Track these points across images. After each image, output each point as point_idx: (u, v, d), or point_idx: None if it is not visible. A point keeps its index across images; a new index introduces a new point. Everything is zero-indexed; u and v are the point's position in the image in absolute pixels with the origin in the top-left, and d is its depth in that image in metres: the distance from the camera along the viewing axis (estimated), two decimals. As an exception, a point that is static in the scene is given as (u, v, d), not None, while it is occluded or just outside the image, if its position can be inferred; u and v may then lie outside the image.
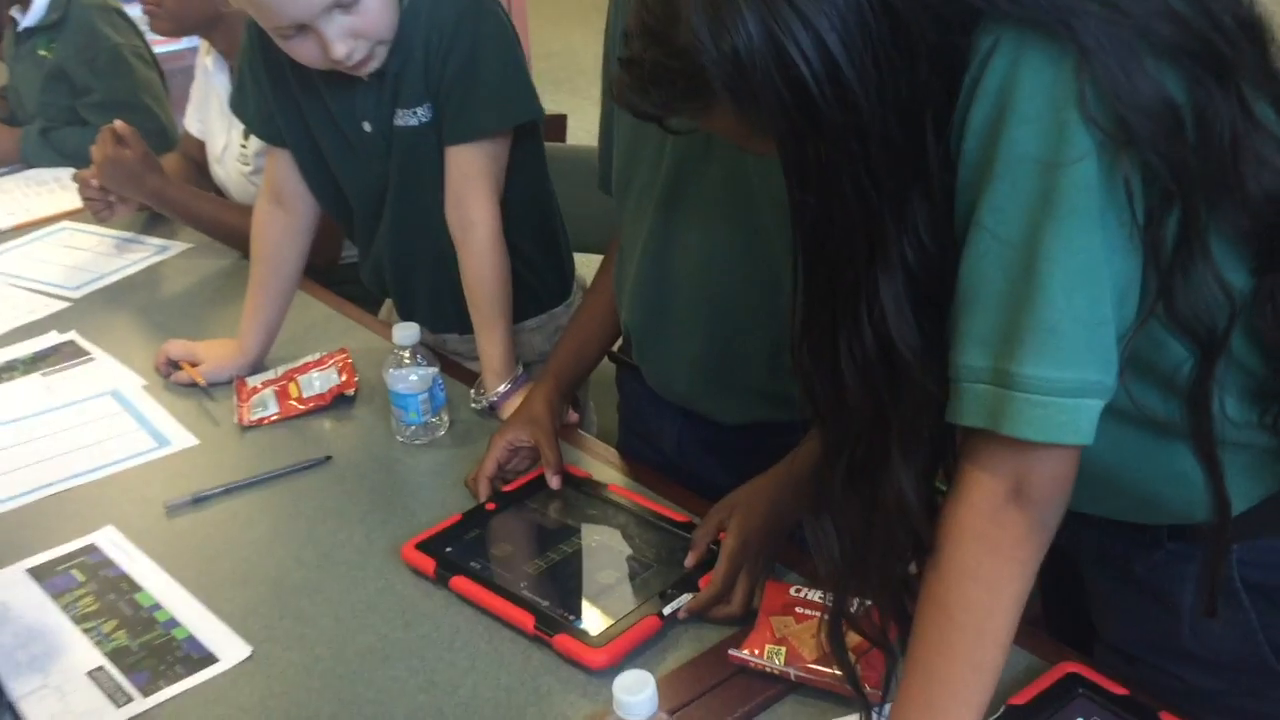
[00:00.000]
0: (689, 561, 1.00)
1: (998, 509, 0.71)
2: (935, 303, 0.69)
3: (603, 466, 1.22)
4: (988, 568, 0.71)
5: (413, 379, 1.25)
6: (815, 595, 0.97)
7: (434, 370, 1.26)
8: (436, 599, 1.03)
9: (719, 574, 0.98)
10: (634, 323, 1.14)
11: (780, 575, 1.03)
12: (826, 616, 0.82)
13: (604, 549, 1.06)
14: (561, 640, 0.94)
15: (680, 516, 1.10)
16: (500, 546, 1.07)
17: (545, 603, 0.99)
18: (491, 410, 1.32)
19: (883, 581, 0.77)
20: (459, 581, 1.02)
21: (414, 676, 0.95)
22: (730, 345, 1.08)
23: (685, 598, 0.98)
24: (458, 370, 1.41)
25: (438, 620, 1.00)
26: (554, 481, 1.14)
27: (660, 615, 0.96)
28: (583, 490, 1.14)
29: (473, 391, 1.34)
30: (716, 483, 1.08)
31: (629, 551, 1.05)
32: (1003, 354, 0.66)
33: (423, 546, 1.07)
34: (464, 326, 1.39)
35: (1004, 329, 0.66)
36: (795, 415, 1.01)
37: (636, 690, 0.75)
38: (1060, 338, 0.64)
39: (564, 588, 1.01)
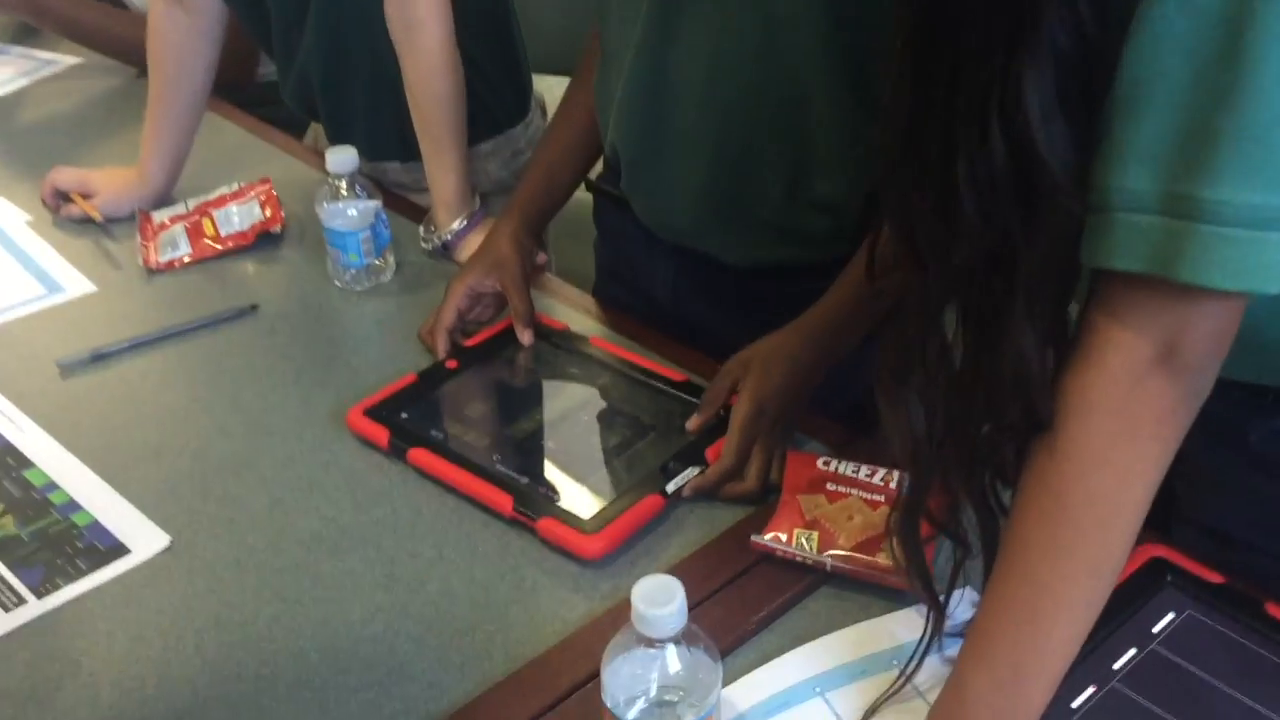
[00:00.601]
0: (692, 425, 0.93)
1: (1141, 377, 0.60)
2: (1089, 107, 0.57)
3: (580, 316, 1.13)
4: (1121, 451, 0.61)
5: (351, 214, 1.16)
6: (848, 469, 0.89)
7: (376, 204, 1.17)
8: (392, 475, 0.94)
9: (731, 445, 0.90)
10: (623, 143, 1.05)
11: (799, 445, 0.95)
12: (895, 508, 0.72)
13: (589, 415, 0.99)
14: (547, 525, 0.86)
15: (678, 375, 1.01)
16: (465, 412, 0.98)
17: (524, 479, 0.90)
18: (445, 251, 1.23)
19: (975, 466, 0.67)
20: (419, 454, 0.93)
21: (370, 570, 0.86)
22: (741, 168, 0.99)
23: (691, 472, 0.90)
24: (401, 205, 1.32)
25: (394, 501, 0.92)
26: (525, 336, 1.05)
27: (663, 493, 0.88)
28: (560, 345, 1.06)
29: (421, 229, 1.25)
30: (720, 337, 1.00)
31: (619, 418, 0.97)
32: (1181, 173, 0.55)
33: (372, 413, 0.97)
34: (407, 152, 1.30)
35: (1185, 139, 0.54)
36: (819, 255, 1.00)
37: (662, 600, 0.65)
38: (1270, 150, 0.52)
39: (545, 461, 0.93)
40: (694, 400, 0.96)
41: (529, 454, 0.94)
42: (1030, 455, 0.64)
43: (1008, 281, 0.60)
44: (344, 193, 1.16)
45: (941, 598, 0.72)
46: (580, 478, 0.91)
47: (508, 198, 1.14)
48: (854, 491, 0.87)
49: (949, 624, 0.72)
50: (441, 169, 1.21)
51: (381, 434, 0.95)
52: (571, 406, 1.00)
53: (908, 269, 0.65)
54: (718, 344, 0.99)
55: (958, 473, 0.68)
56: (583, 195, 1.18)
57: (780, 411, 0.91)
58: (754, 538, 0.84)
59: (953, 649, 0.73)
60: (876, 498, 0.86)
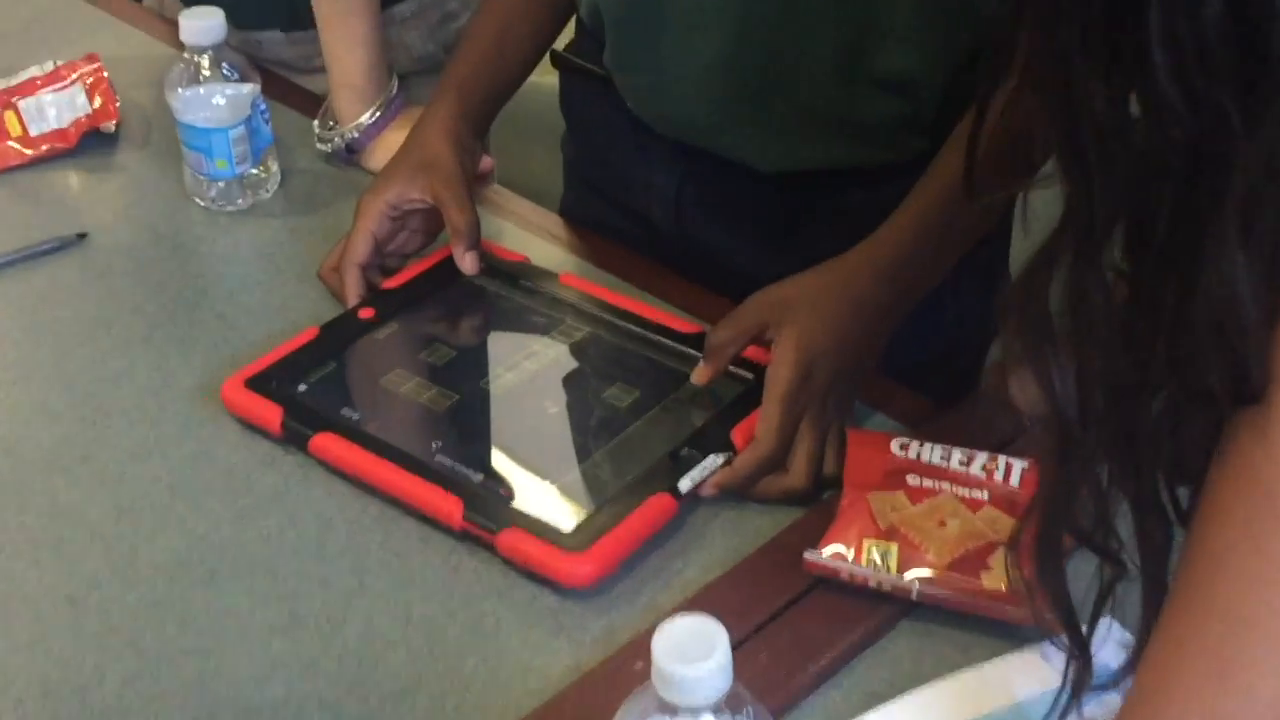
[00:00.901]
0: (698, 376, 0.93)
1: None
2: None
3: (543, 244, 1.13)
4: None
5: (218, 103, 1.14)
6: (934, 454, 0.87)
7: (252, 89, 1.15)
8: (288, 472, 0.93)
9: (768, 422, 0.88)
10: (612, 4, 1.04)
11: (861, 420, 0.94)
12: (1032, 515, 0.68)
13: (564, 383, 0.98)
14: (513, 540, 0.84)
15: (687, 325, 1.00)
16: (389, 381, 0.97)
17: (477, 476, 0.89)
18: (350, 155, 1.22)
19: (1144, 453, 0.63)
20: (326, 442, 0.91)
21: (261, 608, 0.84)
22: (776, 34, 0.98)
23: (712, 462, 0.88)
24: (287, 91, 1.32)
25: (293, 509, 0.90)
26: (468, 261, 1.04)
27: (674, 492, 0.87)
28: (518, 284, 1.06)
29: (316, 125, 1.24)
30: (743, 272, 0.99)
31: (608, 387, 0.96)
32: None
33: (257, 384, 0.96)
34: (294, 18, 1.30)
35: None
36: (882, 155, 1.00)
37: (698, 653, 0.60)
38: None
39: (506, 450, 0.92)
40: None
41: (482, 440, 0.93)
42: (1228, 438, 0.60)
43: (1215, 192, 0.56)
44: (206, 74, 1.14)
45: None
46: (557, 473, 0.90)
47: (436, 79, 1.12)
48: (945, 486, 0.84)
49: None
50: (344, 40, 1.20)
51: (272, 414, 0.94)
52: (539, 371, 0.99)
53: (1065, 175, 0.61)
54: (740, 281, 0.97)
55: (1119, 462, 0.64)
56: (545, 76, 1.17)
57: (836, 374, 0.89)
58: (808, 555, 0.82)
59: (1096, 709, 0.69)
60: (977, 494, 0.83)
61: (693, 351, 0.96)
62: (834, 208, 1.01)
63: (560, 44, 1.16)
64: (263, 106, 1.15)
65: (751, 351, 0.93)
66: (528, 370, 0.98)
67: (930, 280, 0.92)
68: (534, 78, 1.14)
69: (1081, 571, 0.68)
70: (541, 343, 1.00)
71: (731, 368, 0.93)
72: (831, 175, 1.02)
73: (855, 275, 0.91)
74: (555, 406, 0.96)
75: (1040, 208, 0.69)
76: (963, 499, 0.83)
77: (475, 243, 1.04)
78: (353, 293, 1.03)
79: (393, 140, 1.16)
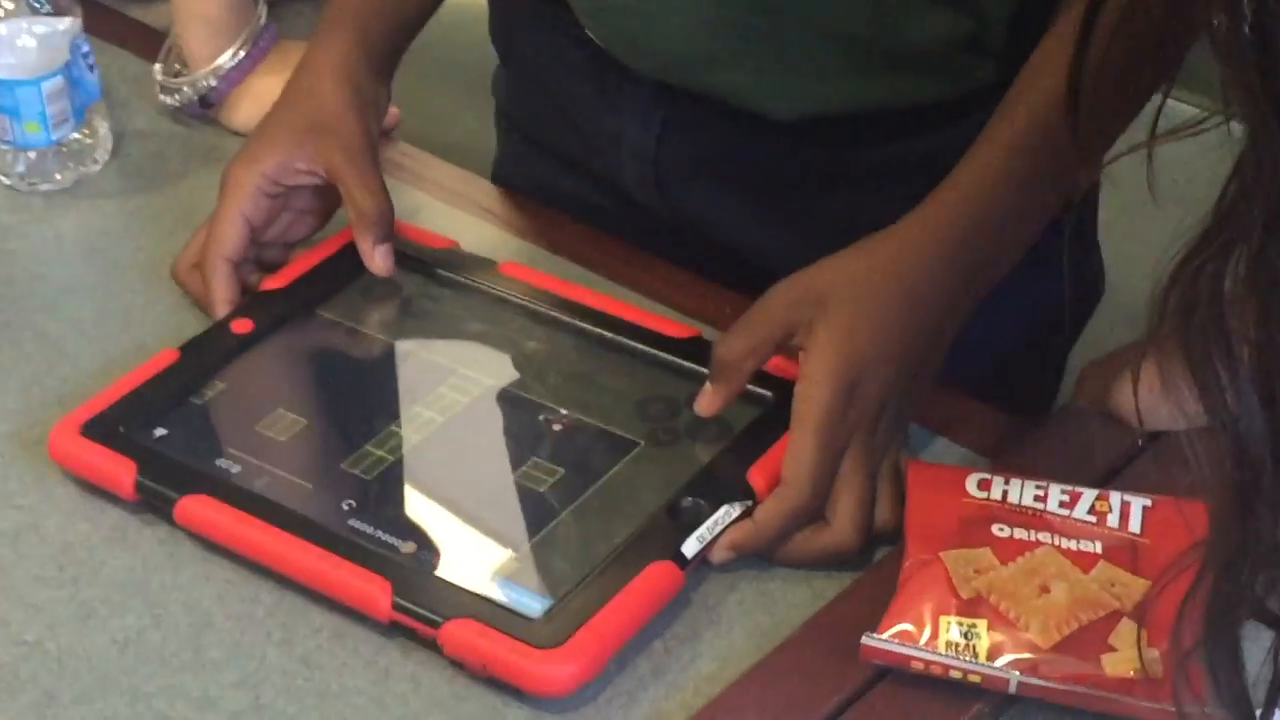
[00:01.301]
0: (703, 405, 0.94)
1: None
2: None
3: (475, 222, 1.14)
4: None
5: (25, 44, 1.13)
6: (1026, 492, 0.87)
7: (71, 24, 1.15)
8: (144, 548, 0.92)
9: (800, 460, 0.89)
10: None
11: (917, 448, 0.95)
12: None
13: (513, 411, 1.00)
14: (461, 633, 0.84)
15: (678, 328, 1.01)
16: (275, 419, 0.98)
17: (406, 545, 0.89)
18: (205, 108, 1.22)
19: None
20: (195, 506, 0.92)
21: None
22: None
23: (726, 514, 0.89)
24: (117, 26, 1.32)
25: (155, 599, 0.90)
26: (379, 260, 1.04)
27: (676, 558, 0.87)
28: (444, 277, 1.07)
29: (159, 69, 1.24)
30: (744, 250, 1.04)
31: (577, 415, 0.98)
32: None
33: (96, 429, 0.96)
34: None
35: None
36: (936, 91, 1.01)
37: None
38: None
39: (442, 508, 0.93)
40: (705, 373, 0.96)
41: (411, 496, 0.94)
42: None
43: None
44: (6, 5, 1.14)
45: None
46: (516, 537, 0.90)
47: (318, 6, 1.15)
48: (1044, 537, 0.84)
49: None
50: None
51: (121, 471, 0.93)
52: (480, 397, 0.99)
53: (1251, 117, 0.60)
54: (744, 266, 0.99)
55: None
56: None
57: (887, 390, 0.90)
58: (866, 639, 0.82)
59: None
60: (1088, 546, 0.84)
61: (689, 364, 0.97)
62: (872, 165, 1.02)
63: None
64: (85, 48, 1.14)
65: (773, 362, 0.93)
66: (465, 397, 0.98)
67: (1008, 257, 0.93)
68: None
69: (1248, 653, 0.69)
70: (481, 358, 1.01)
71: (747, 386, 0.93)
72: (867, 121, 1.03)
73: (907, 255, 0.91)
74: (506, 445, 0.96)
75: (1131, 166, 0.70)
76: (1069, 553, 0.83)
77: (388, 233, 1.04)
78: (221, 297, 1.03)
79: (262, 89, 1.15)
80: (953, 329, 0.92)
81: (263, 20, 1.21)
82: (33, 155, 1.15)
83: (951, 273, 0.91)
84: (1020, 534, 0.84)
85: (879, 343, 0.89)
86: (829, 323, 0.89)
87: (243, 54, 1.19)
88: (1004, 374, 1.00)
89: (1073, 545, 0.83)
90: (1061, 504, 0.85)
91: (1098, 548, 0.83)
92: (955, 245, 0.91)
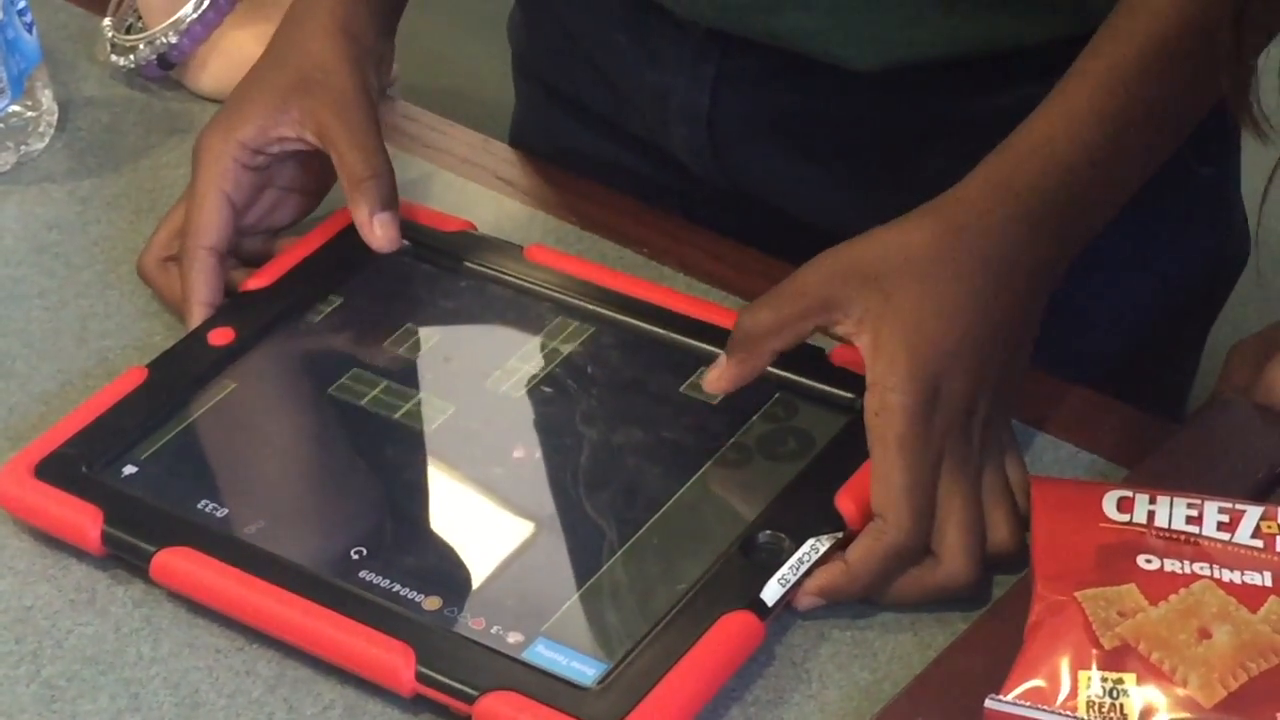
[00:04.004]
0: (712, 382, 0.94)
1: None
2: None
3: (493, 197, 1.15)
4: None
5: None
6: (1176, 512, 0.85)
7: None
8: (116, 612, 0.92)
9: (890, 487, 0.88)
10: None
11: (1033, 455, 0.94)
12: None
13: (546, 429, 1.00)
14: (501, 707, 0.82)
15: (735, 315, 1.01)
16: (267, 449, 0.99)
17: (428, 601, 0.88)
18: (165, 69, 1.23)
19: None
20: (175, 560, 0.91)
21: None
22: None
23: (811, 551, 0.88)
24: None
25: (131, 675, 0.88)
26: (379, 232, 1.04)
27: (755, 606, 0.86)
28: (461, 266, 1.08)
29: (108, 24, 1.24)
30: (814, 225, 1.03)
31: (620, 431, 0.98)
32: None
33: (52, 469, 0.95)
34: None
35: None
36: (1040, 32, 1.02)
37: None
38: None
39: (469, 553, 0.93)
40: (781, 376, 0.98)
41: (432, 539, 0.94)
42: None
43: None
44: None
45: None
46: (559, 586, 0.89)
47: None
48: (1201, 568, 0.82)
49: None
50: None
51: (84, 519, 0.92)
52: (509, 413, 1.00)
53: None
54: (817, 244, 0.96)
55: None
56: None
57: (979, 384, 0.89)
58: (991, 702, 0.80)
59: None
60: (1254, 578, 0.82)
61: None
62: (965, 121, 1.02)
63: None
64: (21, 4, 1.15)
65: (849, 354, 0.93)
66: (491, 412, 0.98)
67: (1107, 208, 0.92)
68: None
69: None
70: (507, 364, 1.00)
71: (823, 386, 0.94)
72: (961, 69, 1.04)
73: (980, 219, 0.90)
74: (544, 470, 0.96)
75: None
76: (1232, 588, 0.81)
77: (388, 198, 1.03)
78: (201, 298, 1.02)
79: (232, 45, 1.17)
80: (1043, 301, 0.91)
81: (235, -39, 1.22)
82: (-35, 132, 1.15)
83: (1036, 236, 0.90)
84: (1172, 566, 0.82)
85: (957, 334, 0.88)
86: (893, 316, 0.88)
87: (208, 3, 1.19)
88: (1130, 360, 1.01)
89: (1236, 578, 0.81)
90: (1220, 525, 0.83)
91: (1267, 580, 0.81)
92: (1038, 202, 0.90)
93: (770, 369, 0.96)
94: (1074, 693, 0.79)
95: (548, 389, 0.99)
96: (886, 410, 0.87)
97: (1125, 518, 0.85)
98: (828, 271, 0.91)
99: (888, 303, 0.89)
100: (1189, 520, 0.84)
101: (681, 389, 0.98)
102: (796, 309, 0.91)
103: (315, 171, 1.07)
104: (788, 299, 0.91)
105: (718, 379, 0.92)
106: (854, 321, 0.89)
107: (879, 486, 0.87)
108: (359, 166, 1.03)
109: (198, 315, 1.02)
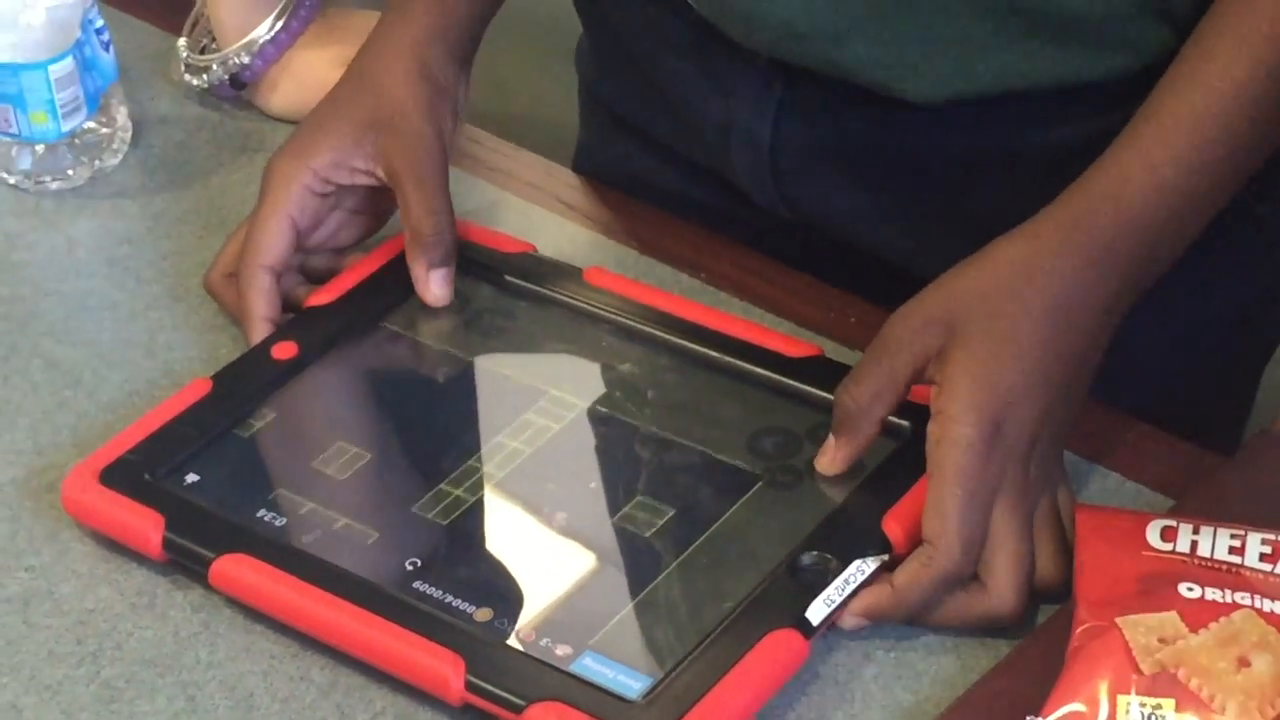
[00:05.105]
0: (826, 463, 0.94)
1: None
2: None
3: (556, 221, 1.16)
4: None
5: (30, 22, 1.14)
6: (1219, 542, 0.86)
7: None
8: (175, 616, 0.93)
9: (944, 515, 0.88)
10: None
11: (1080, 484, 0.95)
12: None
13: (603, 449, 1.00)
14: (551, 716, 0.83)
15: (798, 345, 1.02)
16: (325, 461, 0.99)
17: (480, 613, 0.89)
18: (237, 89, 1.23)
19: None
20: (234, 567, 0.92)
21: None
22: None
23: (858, 572, 0.89)
24: None
25: (189, 677, 0.90)
26: (433, 288, 1.06)
27: (801, 625, 0.87)
28: (523, 289, 1.08)
29: (184, 44, 1.25)
30: (877, 256, 1.06)
31: (673, 453, 0.98)
32: None
33: (116, 476, 0.96)
34: None
35: None
36: (1106, 66, 1.02)
37: None
38: None
39: (521, 567, 0.94)
40: (830, 399, 0.97)
41: (485, 553, 0.95)
42: None
43: None
44: None
45: None
46: (608, 600, 0.90)
47: None
48: (1243, 597, 0.83)
49: None
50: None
51: (146, 525, 0.93)
52: (563, 433, 1.00)
53: None
54: (877, 272, 1.00)
55: None
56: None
57: (1040, 421, 0.90)
58: None
59: None
60: None
61: (810, 389, 0.98)
62: (1028, 155, 1.02)
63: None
64: (99, 23, 1.15)
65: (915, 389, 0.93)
66: (546, 432, 0.98)
67: (1175, 249, 0.92)
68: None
69: None
70: (566, 382, 1.01)
71: None
72: (1024, 103, 1.03)
73: (1047, 260, 0.90)
74: (600, 485, 0.96)
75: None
76: (1272, 618, 0.82)
77: (446, 257, 1.05)
78: (260, 314, 1.03)
79: (303, 66, 1.18)
80: (1108, 339, 0.92)
81: (308, -15, 1.22)
82: (40, 149, 1.16)
83: (1105, 277, 0.90)
84: (1213, 594, 0.83)
85: (1024, 371, 0.89)
86: (962, 352, 0.89)
87: (280, 25, 1.19)
88: (1184, 392, 1.01)
89: (1278, 608, 0.82)
90: (1263, 556, 0.84)
91: (1312, 610, 0.81)
92: (1104, 245, 0.90)
93: (817, 390, 0.97)
94: (1113, 717, 0.79)
95: (604, 409, 1.00)
96: (949, 441, 0.88)
97: (1168, 546, 0.85)
98: (910, 329, 0.92)
99: (961, 341, 0.90)
100: (1231, 550, 0.84)
101: (735, 412, 0.99)
102: (891, 373, 0.92)
103: (382, 200, 1.09)
104: (881, 364, 0.93)
105: (831, 462, 0.93)
106: (935, 365, 0.91)
107: (932, 514, 0.88)
108: (423, 223, 1.04)
109: (259, 331, 1.03)
